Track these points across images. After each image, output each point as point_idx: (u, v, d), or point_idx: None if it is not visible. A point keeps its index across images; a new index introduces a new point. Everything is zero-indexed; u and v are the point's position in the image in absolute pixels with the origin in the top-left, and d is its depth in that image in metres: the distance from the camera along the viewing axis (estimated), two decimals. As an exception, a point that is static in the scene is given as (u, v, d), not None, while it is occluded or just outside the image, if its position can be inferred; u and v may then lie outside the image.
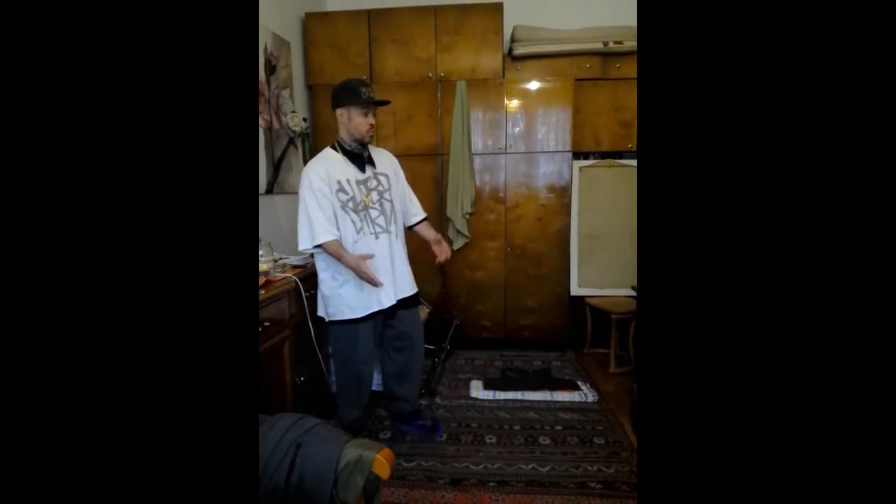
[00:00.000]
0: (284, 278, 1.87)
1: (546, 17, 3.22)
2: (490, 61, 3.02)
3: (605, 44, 2.99)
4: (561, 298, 3.14)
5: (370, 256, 1.83)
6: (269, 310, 1.73)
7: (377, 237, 1.88)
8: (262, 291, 1.69)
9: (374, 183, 1.89)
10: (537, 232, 3.11)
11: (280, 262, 2.04)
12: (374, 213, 1.87)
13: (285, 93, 2.82)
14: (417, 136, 3.05)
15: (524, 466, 1.90)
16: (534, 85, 3.02)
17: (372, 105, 1.82)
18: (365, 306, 1.89)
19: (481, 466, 1.91)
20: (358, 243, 1.85)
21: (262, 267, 1.84)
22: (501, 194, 3.10)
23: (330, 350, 2.06)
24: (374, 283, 1.82)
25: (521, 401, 2.47)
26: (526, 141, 3.05)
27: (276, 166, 2.71)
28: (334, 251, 1.81)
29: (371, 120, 1.83)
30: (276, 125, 2.70)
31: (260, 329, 1.66)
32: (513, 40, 3.13)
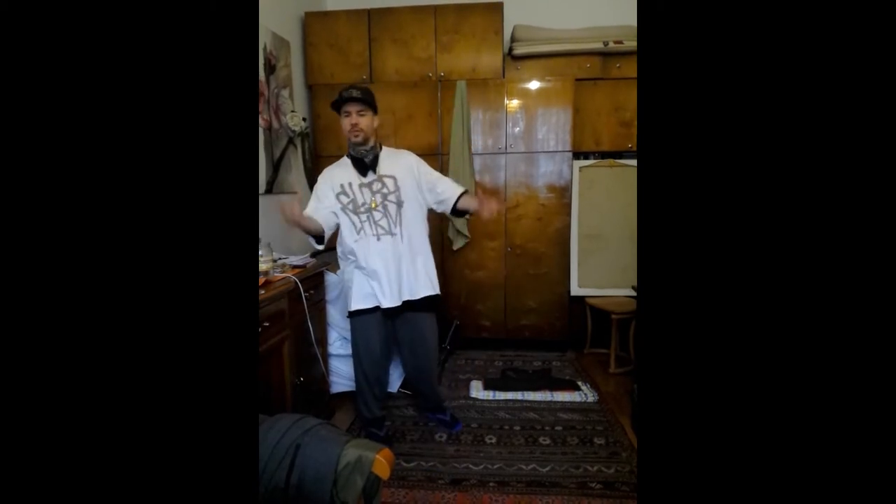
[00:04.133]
0: (284, 278, 1.87)
1: (546, 16, 3.22)
2: (490, 61, 3.02)
3: (606, 43, 2.99)
4: (561, 298, 3.14)
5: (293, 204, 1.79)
6: (269, 310, 1.73)
7: (378, 238, 1.93)
8: (262, 291, 1.69)
9: (378, 186, 1.95)
10: (537, 232, 3.10)
11: (279, 262, 2.04)
12: (377, 216, 1.94)
13: (285, 92, 2.82)
14: (417, 135, 3.05)
15: (524, 467, 1.90)
16: (534, 85, 3.01)
17: (344, 104, 1.84)
18: (369, 300, 1.98)
19: (481, 467, 1.91)
20: (358, 243, 1.94)
21: (262, 267, 1.84)
22: (501, 194, 3.10)
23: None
24: (293, 223, 1.81)
25: (521, 401, 2.47)
26: (526, 141, 3.05)
27: (276, 166, 2.70)
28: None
29: (352, 119, 1.86)
30: (275, 125, 2.70)
31: (259, 329, 1.65)
32: (513, 40, 3.13)
